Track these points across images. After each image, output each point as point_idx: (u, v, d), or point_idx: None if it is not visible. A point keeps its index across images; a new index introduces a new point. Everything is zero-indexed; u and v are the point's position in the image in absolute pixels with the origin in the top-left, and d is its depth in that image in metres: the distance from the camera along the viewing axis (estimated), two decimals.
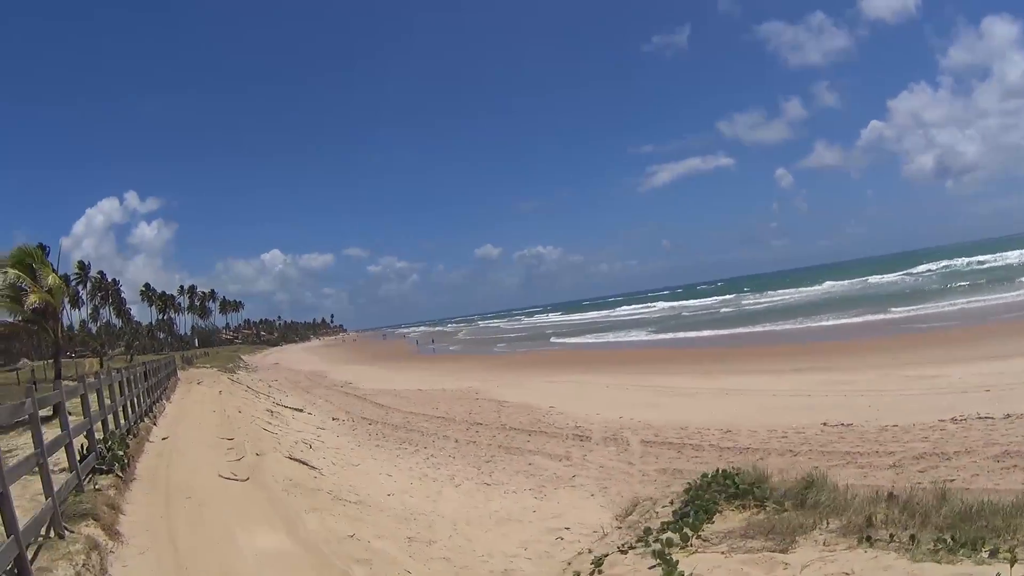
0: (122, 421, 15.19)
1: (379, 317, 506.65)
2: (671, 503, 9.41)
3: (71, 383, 13.33)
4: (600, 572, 8.01)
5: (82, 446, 10.86)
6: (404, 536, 10.81)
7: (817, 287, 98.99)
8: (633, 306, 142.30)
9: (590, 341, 73.50)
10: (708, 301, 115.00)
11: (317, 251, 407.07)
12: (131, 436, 15.00)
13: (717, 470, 9.31)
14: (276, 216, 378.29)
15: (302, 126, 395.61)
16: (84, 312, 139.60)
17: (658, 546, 7.77)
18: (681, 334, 64.36)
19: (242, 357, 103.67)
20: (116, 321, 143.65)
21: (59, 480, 8.91)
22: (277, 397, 37.71)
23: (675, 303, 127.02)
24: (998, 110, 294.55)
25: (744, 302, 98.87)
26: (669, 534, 8.04)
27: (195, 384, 37.85)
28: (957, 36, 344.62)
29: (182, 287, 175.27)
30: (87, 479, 10.03)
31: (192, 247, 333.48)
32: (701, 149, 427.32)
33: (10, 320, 22.38)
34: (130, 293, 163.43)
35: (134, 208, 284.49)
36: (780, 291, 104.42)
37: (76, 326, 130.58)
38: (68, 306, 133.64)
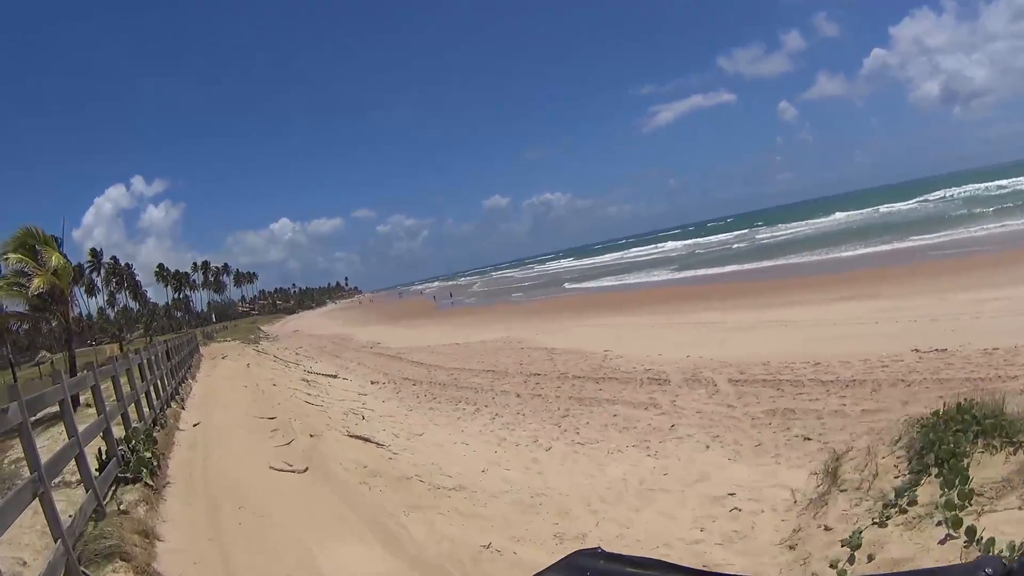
0: (146, 411, 12.93)
1: (392, 276, 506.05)
2: (891, 452, 6.98)
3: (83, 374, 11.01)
4: (870, 558, 5.56)
5: (100, 451, 8.60)
6: (549, 534, 8.46)
7: (830, 218, 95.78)
8: (646, 247, 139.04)
9: (613, 283, 71.21)
10: (722, 237, 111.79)
11: (325, 216, 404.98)
12: (158, 427, 12.77)
13: (957, 403, 6.79)
14: (282, 185, 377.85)
15: (301, 91, 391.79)
16: (101, 299, 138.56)
17: (935, 511, 5.39)
18: (705, 271, 62.21)
19: (261, 328, 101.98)
20: (133, 305, 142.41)
21: (75, 499, 6.68)
22: (307, 365, 35.51)
23: (687, 241, 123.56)
24: (1007, 32, 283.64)
25: (759, 236, 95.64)
26: (941, 492, 5.62)
27: (220, 359, 35.74)
28: None
29: (195, 264, 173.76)
30: (108, 495, 7.75)
31: (201, 225, 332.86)
32: (702, 86, 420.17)
33: (20, 310, 20.04)
34: (144, 276, 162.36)
35: (141, 192, 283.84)
36: (793, 224, 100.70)
37: (95, 314, 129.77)
38: (83, 294, 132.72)
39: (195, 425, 15.00)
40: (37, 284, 18.16)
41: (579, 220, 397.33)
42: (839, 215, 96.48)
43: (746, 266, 57.52)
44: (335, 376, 30.07)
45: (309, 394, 21.58)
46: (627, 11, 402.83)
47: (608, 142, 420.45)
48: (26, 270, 18.36)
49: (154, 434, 11.25)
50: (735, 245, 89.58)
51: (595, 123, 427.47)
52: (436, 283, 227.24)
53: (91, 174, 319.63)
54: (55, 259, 18.94)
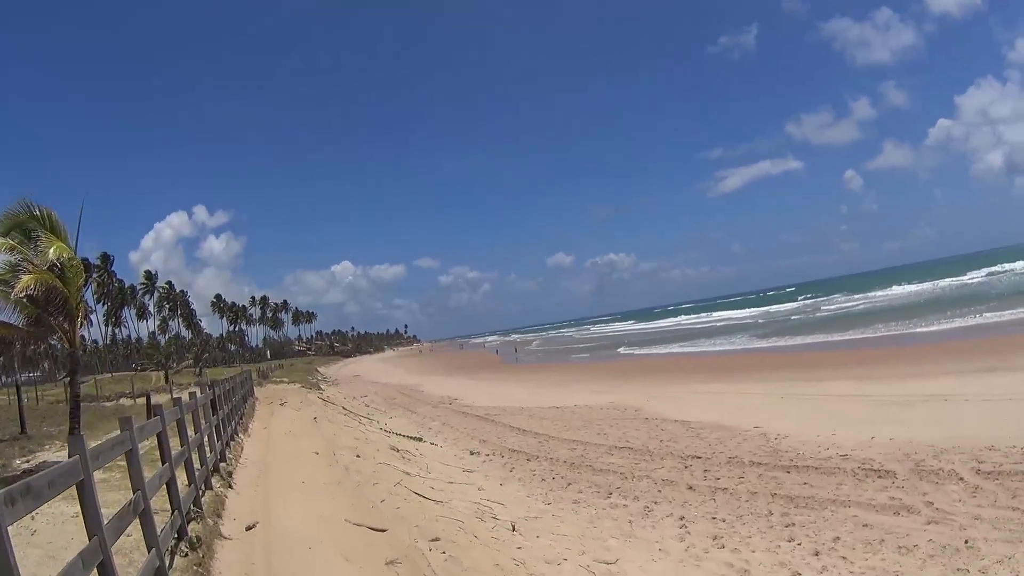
0: (172, 519, 6.89)
1: (450, 327, 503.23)
2: None
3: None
4: None
5: None
6: None
7: (894, 289, 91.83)
8: (703, 315, 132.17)
9: (691, 349, 64.22)
10: (791, 305, 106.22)
11: (388, 262, 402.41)
12: (191, 531, 6.75)
13: None
14: (347, 228, 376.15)
15: (368, 133, 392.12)
16: (153, 323, 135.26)
17: None
18: (791, 339, 55.91)
19: (319, 369, 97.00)
20: (186, 333, 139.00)
21: None
22: (380, 420, 29.60)
23: (752, 310, 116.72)
24: None
25: (828, 307, 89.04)
26: None
27: (278, 405, 29.84)
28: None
29: (253, 298, 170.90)
30: None
31: (262, 260, 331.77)
32: (770, 152, 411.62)
33: (7, 321, 13.86)
34: (200, 306, 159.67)
35: (203, 222, 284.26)
36: (863, 293, 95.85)
37: (145, 338, 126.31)
38: (135, 317, 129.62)
39: (249, 529, 8.98)
40: (25, 283, 12.42)
41: (641, 283, 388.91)
42: (908, 287, 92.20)
43: (836, 336, 51.25)
44: (420, 439, 24.00)
45: (408, 472, 15.38)
46: (698, 73, 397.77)
47: (674, 205, 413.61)
48: (20, 263, 12.71)
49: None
50: (816, 314, 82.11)
51: (662, 185, 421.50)
52: (494, 337, 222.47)
53: (154, 199, 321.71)
54: (56, 251, 13.12)
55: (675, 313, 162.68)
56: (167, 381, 58.33)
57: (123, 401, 38.54)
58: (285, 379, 55.44)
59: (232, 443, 16.15)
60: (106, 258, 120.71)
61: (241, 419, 21.64)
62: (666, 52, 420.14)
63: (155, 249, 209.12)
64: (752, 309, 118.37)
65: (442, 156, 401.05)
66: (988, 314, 44.92)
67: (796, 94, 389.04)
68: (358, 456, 16.51)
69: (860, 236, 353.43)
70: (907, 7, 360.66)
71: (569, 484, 16.85)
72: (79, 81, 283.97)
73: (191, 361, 72.23)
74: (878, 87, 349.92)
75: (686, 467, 16.84)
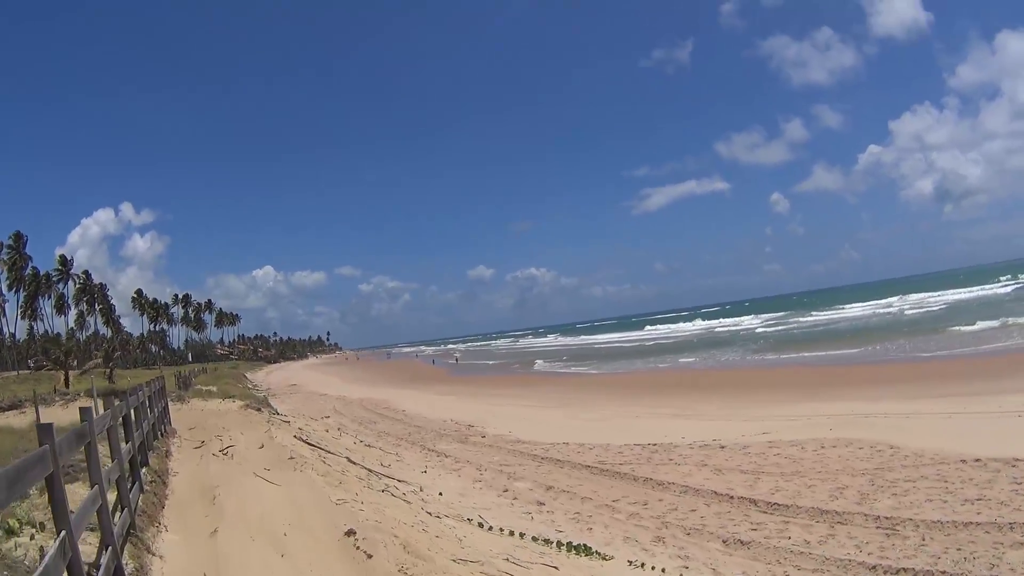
0: None
1: (371, 336, 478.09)
2: None
3: None
4: None
5: None
6: None
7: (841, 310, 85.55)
8: (635, 331, 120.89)
9: (681, 361, 52.53)
10: (752, 321, 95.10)
11: (309, 268, 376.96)
12: None
13: None
14: (271, 233, 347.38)
15: (296, 141, 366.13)
16: (70, 319, 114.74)
17: None
18: (777, 356, 47.81)
19: (246, 375, 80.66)
20: (106, 330, 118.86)
21: None
22: (408, 474, 15.64)
23: (692, 325, 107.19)
24: (1006, 131, 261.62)
25: (788, 324, 79.59)
26: None
27: (218, 451, 14.17)
28: (968, 53, 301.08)
29: (176, 296, 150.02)
30: None
31: (184, 262, 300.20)
32: (697, 171, 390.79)
33: None
34: (123, 307, 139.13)
35: (129, 219, 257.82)
36: (822, 312, 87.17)
37: (64, 334, 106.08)
38: (52, 310, 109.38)
39: None
40: None
41: (563, 298, 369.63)
42: (858, 305, 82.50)
43: (822, 353, 43.93)
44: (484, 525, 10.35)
45: None
46: (628, 87, 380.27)
47: (596, 222, 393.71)
48: None
49: None
50: (779, 328, 73.78)
51: (585, 202, 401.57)
52: (420, 347, 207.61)
53: (83, 193, 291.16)
54: None
55: (602, 330, 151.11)
56: (68, 385, 42.21)
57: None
58: (213, 388, 39.77)
59: None
60: (19, 237, 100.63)
61: (138, 486, 7.67)
62: (597, 65, 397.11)
63: (82, 245, 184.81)
64: (690, 324, 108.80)
65: (364, 167, 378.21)
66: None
67: (728, 113, 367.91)
68: None
69: (784, 258, 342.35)
70: (849, 27, 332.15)
71: None
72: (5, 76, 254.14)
73: (100, 360, 55.46)
74: (812, 109, 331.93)
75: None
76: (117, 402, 8.31)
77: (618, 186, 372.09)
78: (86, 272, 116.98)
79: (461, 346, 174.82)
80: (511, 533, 10.86)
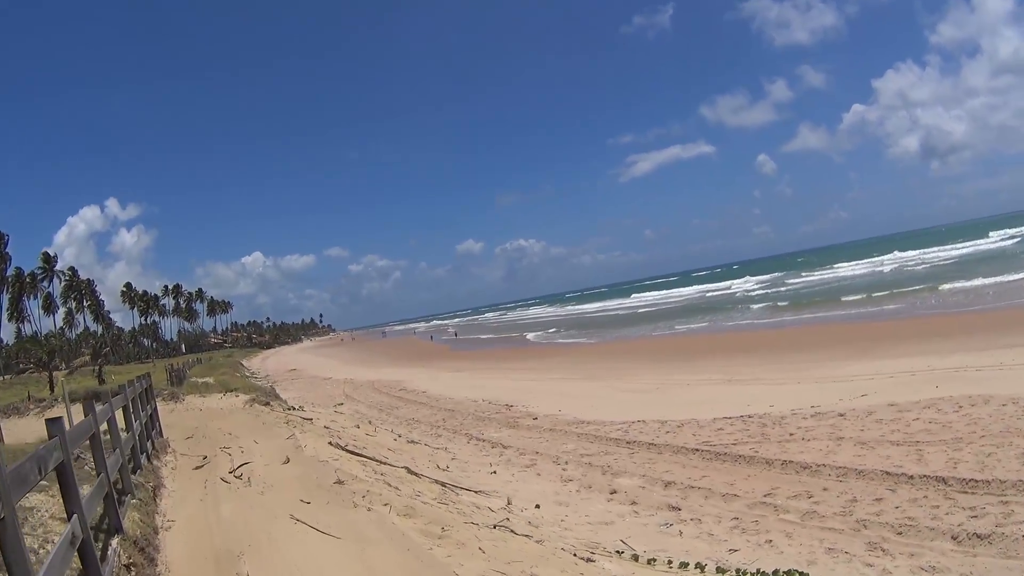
0: None
1: (363, 316, 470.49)
2: None
3: None
4: None
5: None
6: None
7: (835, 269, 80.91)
8: (625, 298, 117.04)
9: (701, 325, 48.83)
10: (746, 284, 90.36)
11: (298, 252, 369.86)
12: None
13: None
14: (257, 219, 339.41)
15: (278, 126, 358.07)
16: (59, 318, 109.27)
17: None
18: (797, 315, 43.66)
19: (243, 363, 76.36)
20: (96, 327, 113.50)
21: None
22: (460, 473, 11.85)
23: (696, 288, 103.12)
24: (987, 88, 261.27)
25: (782, 285, 75.16)
26: None
27: (222, 477, 9.84)
28: (948, 10, 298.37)
29: (166, 287, 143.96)
30: None
31: (171, 253, 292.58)
32: (682, 136, 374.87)
33: None
34: (113, 303, 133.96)
35: (115, 215, 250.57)
36: (819, 272, 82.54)
37: (54, 334, 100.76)
38: (40, 311, 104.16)
39: None
40: None
41: (552, 268, 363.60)
42: (851, 264, 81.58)
43: (843, 311, 39.98)
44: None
45: None
46: (611, 54, 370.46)
47: (584, 191, 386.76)
48: None
49: None
50: (779, 290, 68.31)
51: (571, 171, 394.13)
52: (416, 323, 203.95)
53: (68, 191, 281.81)
54: None
55: (592, 299, 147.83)
56: (52, 391, 37.81)
57: None
58: (210, 379, 35.69)
59: None
60: (48, 258, 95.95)
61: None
62: (579, 33, 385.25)
63: (69, 244, 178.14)
64: (685, 289, 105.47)
65: (347, 146, 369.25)
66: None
67: (712, 76, 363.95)
68: None
69: (773, 220, 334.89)
70: None
71: None
72: None
73: (88, 358, 51.09)
74: (796, 69, 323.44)
75: None
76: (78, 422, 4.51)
77: (604, 154, 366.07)
78: (72, 268, 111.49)
79: (452, 321, 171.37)
80: (696, 567, 7.24)
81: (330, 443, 12.85)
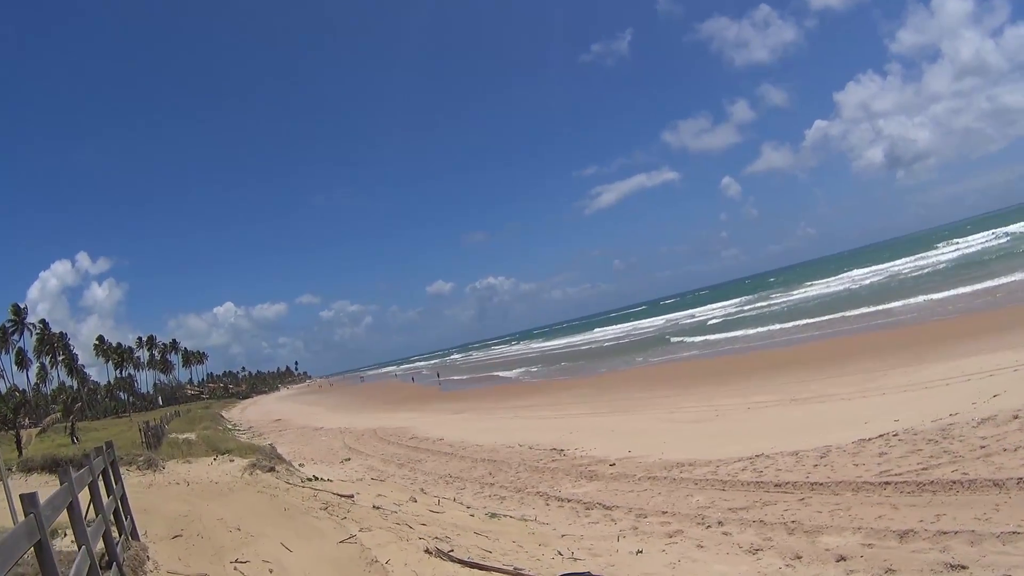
0: None
1: (337, 362, 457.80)
2: None
3: None
4: None
5: None
6: None
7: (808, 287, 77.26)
8: (587, 332, 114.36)
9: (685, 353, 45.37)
10: (716, 307, 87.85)
11: (269, 300, 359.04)
12: None
13: None
14: (227, 267, 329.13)
15: (240, 175, 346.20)
16: (32, 374, 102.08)
17: None
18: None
19: (222, 415, 71.03)
20: (71, 381, 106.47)
21: None
22: (592, 563, 7.94)
23: (671, 316, 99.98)
24: (949, 92, 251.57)
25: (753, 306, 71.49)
26: None
27: None
28: (907, 16, 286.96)
29: (140, 339, 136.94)
30: None
31: (143, 306, 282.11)
32: (646, 164, 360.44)
33: None
34: (87, 357, 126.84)
35: (86, 269, 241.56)
36: (790, 293, 78.48)
37: (30, 391, 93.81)
38: (13, 366, 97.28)
39: None
40: None
41: (523, 304, 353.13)
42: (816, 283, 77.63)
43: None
44: None
45: None
46: (570, 84, 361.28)
47: (551, 225, 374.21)
48: None
49: None
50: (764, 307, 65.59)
51: (537, 206, 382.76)
52: (390, 368, 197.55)
53: (38, 245, 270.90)
54: None
55: (561, 334, 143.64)
56: (20, 453, 32.59)
57: None
58: (192, 435, 30.97)
59: None
60: (18, 310, 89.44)
61: None
62: (536, 64, 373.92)
63: (42, 299, 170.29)
64: (653, 319, 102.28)
65: (311, 191, 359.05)
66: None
67: (673, 101, 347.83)
68: None
69: (742, 242, 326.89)
70: (786, 3, 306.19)
71: None
72: None
73: (59, 414, 45.81)
74: (756, 89, 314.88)
75: None
76: None
77: (569, 187, 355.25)
78: (43, 321, 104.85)
79: (425, 363, 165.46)
80: None
81: (427, 551, 8.11)
